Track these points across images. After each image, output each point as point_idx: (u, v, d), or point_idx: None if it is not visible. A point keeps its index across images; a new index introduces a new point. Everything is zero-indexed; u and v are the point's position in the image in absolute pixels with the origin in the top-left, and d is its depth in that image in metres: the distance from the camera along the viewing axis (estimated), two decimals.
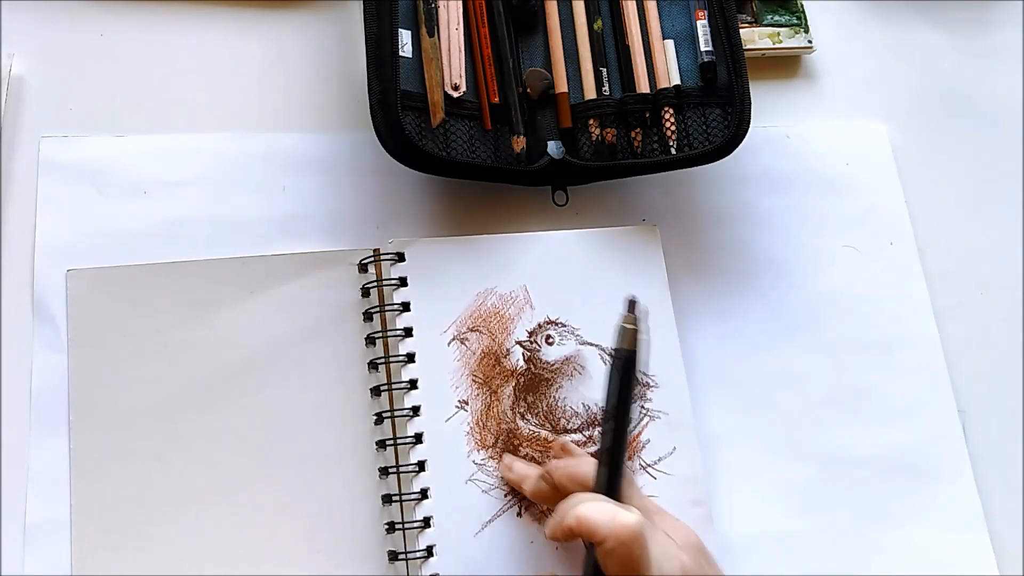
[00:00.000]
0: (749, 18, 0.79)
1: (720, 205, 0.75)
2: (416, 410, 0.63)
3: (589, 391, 0.65)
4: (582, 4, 0.73)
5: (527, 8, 0.72)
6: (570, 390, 0.65)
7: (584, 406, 0.65)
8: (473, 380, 0.64)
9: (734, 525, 0.66)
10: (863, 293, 0.74)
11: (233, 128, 0.70)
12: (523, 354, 0.66)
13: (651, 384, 0.66)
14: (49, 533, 0.59)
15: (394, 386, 0.63)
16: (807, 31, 0.80)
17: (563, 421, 0.65)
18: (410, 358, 0.64)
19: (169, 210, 0.67)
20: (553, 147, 0.70)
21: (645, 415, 0.66)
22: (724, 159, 0.69)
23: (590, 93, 0.71)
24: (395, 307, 0.65)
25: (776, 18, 0.80)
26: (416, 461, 0.62)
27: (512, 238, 0.68)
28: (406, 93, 0.66)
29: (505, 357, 0.65)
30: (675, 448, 0.65)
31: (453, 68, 0.69)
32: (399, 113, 0.64)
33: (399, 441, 0.62)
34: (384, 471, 0.62)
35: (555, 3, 0.73)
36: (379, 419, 0.63)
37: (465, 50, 0.70)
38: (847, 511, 0.68)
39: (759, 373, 0.70)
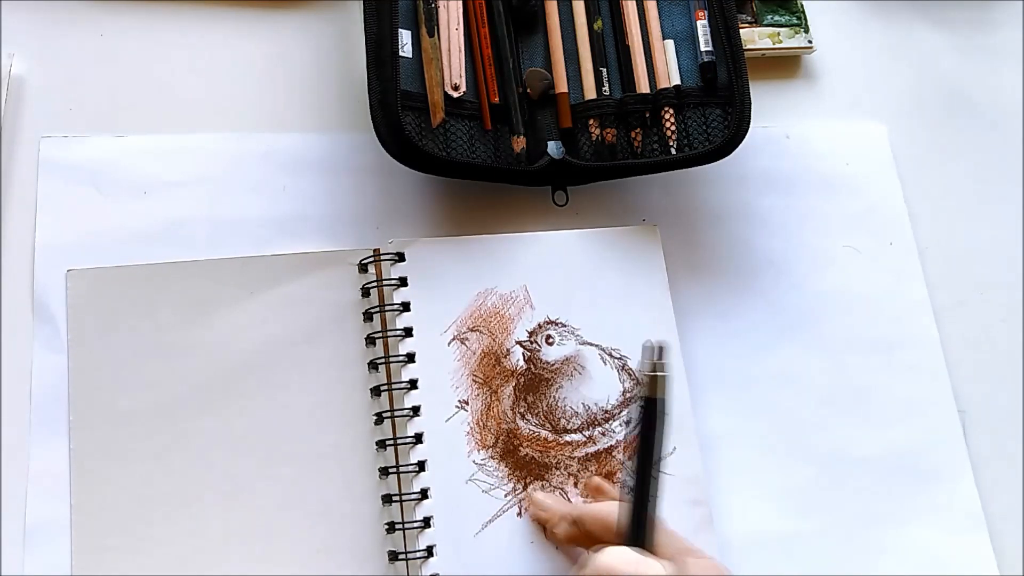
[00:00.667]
0: (749, 18, 0.79)
1: (720, 205, 0.75)
2: (416, 410, 0.63)
3: (589, 391, 0.65)
4: (582, 4, 0.73)
5: (527, 8, 0.72)
6: (570, 390, 0.65)
7: (584, 406, 0.65)
8: (473, 380, 0.64)
9: (734, 525, 0.66)
10: (863, 293, 0.74)
11: (233, 128, 0.70)
12: (523, 354, 0.66)
13: None
14: (49, 533, 0.59)
15: (394, 386, 0.63)
16: (807, 31, 0.80)
17: (563, 421, 0.65)
18: (410, 358, 0.64)
19: (169, 210, 0.67)
20: (553, 147, 0.70)
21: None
22: (724, 159, 0.69)
23: (590, 93, 0.71)
24: (395, 307, 0.65)
25: (776, 18, 0.80)
26: (416, 461, 0.62)
27: (512, 238, 0.68)
28: (406, 93, 0.66)
29: (505, 357, 0.65)
30: (675, 448, 0.65)
31: (453, 68, 0.69)
32: (399, 113, 0.64)
33: (399, 441, 0.62)
34: (384, 471, 0.62)
35: (555, 3, 0.73)
36: (379, 419, 0.63)
37: (465, 50, 0.70)
38: (847, 511, 0.68)
39: (759, 373, 0.70)
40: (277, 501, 0.61)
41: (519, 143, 0.70)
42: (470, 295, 0.66)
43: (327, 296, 0.66)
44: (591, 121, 0.71)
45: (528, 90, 0.72)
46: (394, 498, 0.62)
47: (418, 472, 0.62)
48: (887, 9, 0.85)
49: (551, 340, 0.66)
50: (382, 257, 0.66)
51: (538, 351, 0.66)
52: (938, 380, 0.73)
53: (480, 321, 0.66)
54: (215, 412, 0.62)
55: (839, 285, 0.74)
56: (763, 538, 0.66)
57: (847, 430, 0.70)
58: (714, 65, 0.71)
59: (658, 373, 0.55)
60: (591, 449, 0.64)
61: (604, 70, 0.72)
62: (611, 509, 0.57)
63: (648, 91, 0.71)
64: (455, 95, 0.69)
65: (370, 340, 0.65)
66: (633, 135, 0.70)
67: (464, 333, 0.65)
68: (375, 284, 0.65)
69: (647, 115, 0.71)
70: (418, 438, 0.63)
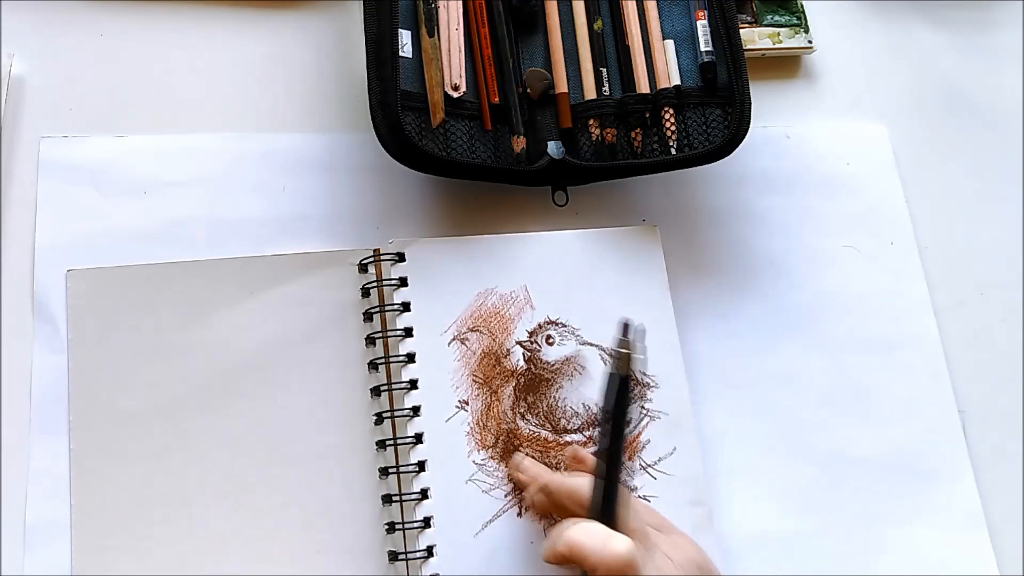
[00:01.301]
0: (749, 18, 0.79)
1: (720, 205, 0.75)
2: (416, 410, 0.63)
3: (589, 391, 0.65)
4: (582, 4, 0.73)
5: (527, 8, 0.72)
6: (570, 390, 0.65)
7: (584, 406, 0.65)
8: (473, 380, 0.64)
9: (734, 525, 0.66)
10: (863, 293, 0.74)
11: (233, 128, 0.70)
12: (523, 354, 0.66)
13: (651, 384, 0.66)
14: (49, 533, 0.59)
15: (394, 386, 0.63)
16: (807, 31, 0.80)
17: (563, 421, 0.65)
18: (410, 358, 0.64)
19: (169, 210, 0.67)
20: (553, 147, 0.70)
21: (645, 415, 0.66)
22: (724, 159, 0.69)
23: (590, 93, 0.71)
24: (395, 307, 0.65)
25: (776, 18, 0.80)
26: (416, 461, 0.62)
27: (512, 238, 0.68)
28: (406, 93, 0.66)
29: (505, 357, 0.65)
30: (675, 448, 0.65)
31: (453, 68, 0.69)
32: (399, 113, 0.64)
33: (399, 441, 0.62)
34: (384, 471, 0.62)
35: (555, 3, 0.73)
36: (379, 419, 0.63)
37: (465, 50, 0.70)
38: (847, 511, 0.68)
39: (759, 373, 0.70)
40: (277, 501, 0.61)
41: (519, 143, 0.70)
42: (470, 295, 0.66)
43: (327, 296, 0.66)
44: (591, 121, 0.71)
45: (528, 90, 0.72)
46: (394, 498, 0.62)
47: (418, 472, 0.62)
48: (887, 9, 0.85)
49: (551, 340, 0.66)
50: (382, 257, 0.66)
51: (538, 351, 0.66)
52: (938, 380, 0.73)
53: (480, 321, 0.66)
54: (215, 412, 0.62)
55: (839, 285, 0.74)
56: (763, 538, 0.66)
57: (847, 430, 0.70)
58: (714, 65, 0.71)
59: (625, 351, 0.56)
60: (591, 449, 0.64)
61: (604, 70, 0.72)
62: (582, 483, 0.57)
63: (648, 91, 0.71)
64: (455, 95, 0.69)
65: (370, 340, 0.65)
66: (633, 135, 0.70)
67: (464, 333, 0.65)
68: (375, 284, 0.65)
69: (647, 115, 0.71)
70: (418, 438, 0.63)
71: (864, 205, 0.77)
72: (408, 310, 0.65)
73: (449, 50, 0.69)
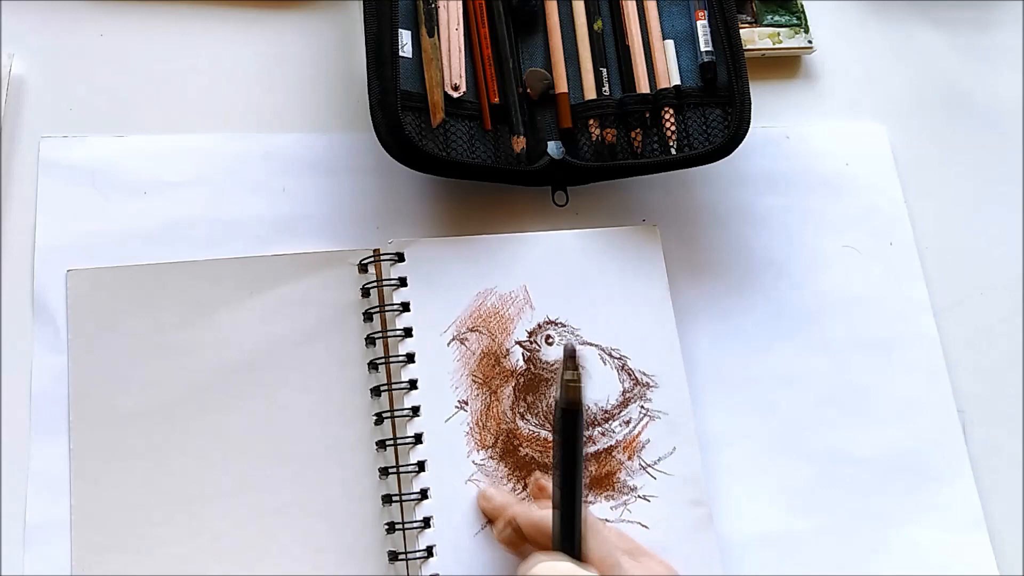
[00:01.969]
0: (749, 18, 0.79)
1: (720, 205, 0.75)
2: (416, 410, 0.63)
3: (589, 391, 0.65)
4: (582, 4, 0.73)
5: (527, 8, 0.72)
6: None
7: (584, 406, 0.65)
8: (473, 380, 0.64)
9: (734, 525, 0.66)
10: (863, 293, 0.74)
11: (233, 128, 0.70)
12: (523, 354, 0.66)
13: (651, 384, 0.66)
14: (49, 533, 0.59)
15: (394, 386, 0.63)
16: (807, 31, 0.80)
17: None
18: (410, 358, 0.64)
19: (169, 210, 0.67)
20: (553, 147, 0.70)
21: (645, 415, 0.66)
22: (724, 159, 0.69)
23: (590, 93, 0.71)
24: (395, 307, 0.65)
25: (776, 18, 0.80)
26: (416, 461, 0.62)
27: (512, 238, 0.68)
28: (406, 93, 0.66)
29: (505, 357, 0.65)
30: (675, 448, 0.65)
31: (453, 68, 0.69)
32: (399, 113, 0.64)
33: (399, 441, 0.62)
34: (384, 471, 0.62)
35: (555, 3, 0.73)
36: (379, 419, 0.63)
37: (465, 50, 0.70)
38: (847, 511, 0.68)
39: (759, 373, 0.70)
40: (277, 501, 0.61)
41: (519, 143, 0.70)
42: (470, 295, 0.66)
43: (327, 296, 0.66)
44: (591, 121, 0.71)
45: (528, 90, 0.72)
46: (394, 498, 0.62)
47: (418, 472, 0.62)
48: (887, 9, 0.85)
49: (551, 340, 0.66)
50: (382, 257, 0.66)
51: (538, 351, 0.66)
52: (938, 380, 0.73)
53: (480, 321, 0.66)
54: (215, 412, 0.62)
55: (839, 285, 0.74)
56: (763, 538, 0.66)
57: (847, 430, 0.70)
58: (714, 65, 0.71)
59: (573, 381, 0.54)
60: (591, 449, 0.64)
61: (604, 70, 0.72)
62: (547, 514, 0.56)
63: (648, 91, 0.71)
64: (455, 95, 0.69)
65: (370, 340, 0.65)
66: (633, 135, 0.70)
67: (464, 333, 0.65)
68: (375, 284, 0.65)
69: (647, 115, 0.71)
70: (418, 438, 0.63)
71: (864, 205, 0.77)
72: (408, 310, 0.65)
73: (449, 50, 0.69)
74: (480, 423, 0.64)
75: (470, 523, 0.62)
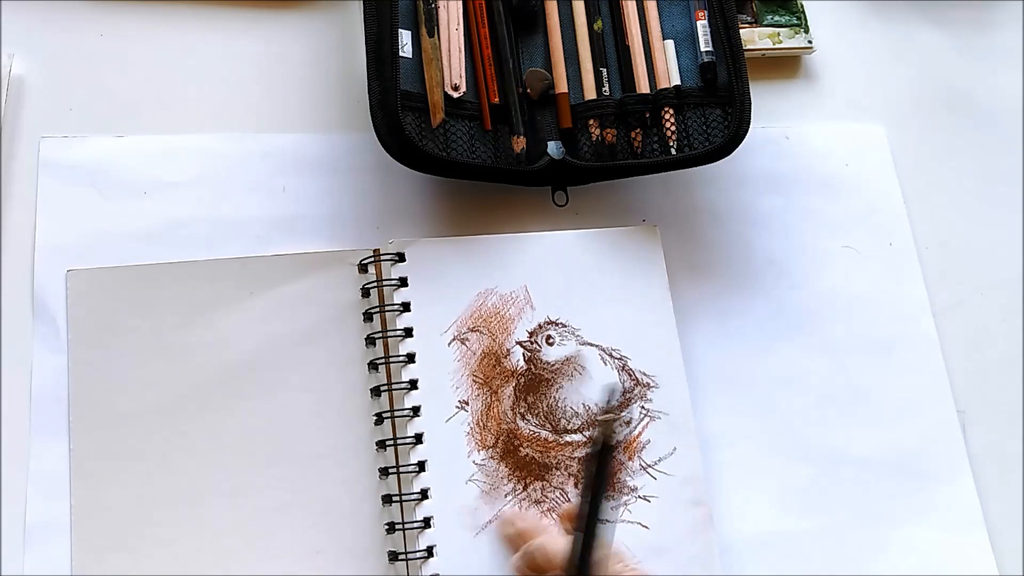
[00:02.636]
0: (749, 18, 0.79)
1: (720, 205, 0.75)
2: (416, 410, 0.63)
3: (589, 391, 0.65)
4: (582, 4, 0.73)
5: (527, 8, 0.72)
6: (570, 390, 0.65)
7: (584, 406, 0.65)
8: (473, 380, 0.64)
9: (734, 525, 0.66)
10: (862, 293, 0.74)
11: (233, 128, 0.70)
12: (523, 354, 0.66)
13: (651, 384, 0.66)
14: (49, 533, 0.59)
15: (394, 386, 0.63)
16: (807, 31, 0.80)
17: (563, 421, 0.65)
18: (410, 358, 0.64)
19: (169, 210, 0.67)
20: (553, 147, 0.70)
21: (645, 415, 0.66)
22: (724, 159, 0.69)
23: (590, 93, 0.71)
24: (395, 307, 0.65)
25: (776, 18, 0.80)
26: (416, 461, 0.62)
27: (512, 238, 0.68)
28: (406, 93, 0.66)
29: (505, 357, 0.65)
30: (675, 448, 0.65)
31: (453, 68, 0.69)
32: (399, 113, 0.64)
33: (399, 441, 0.62)
34: (384, 471, 0.62)
35: (555, 3, 0.73)
36: (379, 419, 0.63)
37: (465, 50, 0.70)
38: (847, 511, 0.68)
39: (759, 373, 0.70)
40: (277, 501, 0.61)
41: (519, 143, 0.70)
42: (470, 295, 0.66)
43: (327, 296, 0.66)
44: (591, 121, 0.71)
45: (528, 90, 0.72)
46: (394, 498, 0.62)
47: (418, 472, 0.62)
48: (887, 9, 0.85)
49: (551, 340, 0.66)
50: (382, 257, 0.66)
51: (538, 351, 0.66)
52: (937, 380, 0.73)
53: (480, 321, 0.66)
54: (215, 412, 0.62)
55: (839, 285, 0.74)
56: (763, 538, 0.66)
57: (847, 430, 0.70)
58: (714, 65, 0.71)
59: (610, 416, 0.55)
60: (591, 450, 0.64)
61: (604, 70, 0.72)
62: (554, 542, 0.56)
63: (648, 91, 0.71)
64: (455, 95, 0.69)
65: (370, 340, 0.65)
66: (633, 135, 0.70)
67: (464, 333, 0.65)
68: (375, 284, 0.65)
69: (647, 115, 0.71)
70: (418, 438, 0.63)
71: (863, 205, 0.77)
72: (408, 310, 0.65)
73: (449, 50, 0.69)
74: (481, 423, 0.64)
75: (470, 523, 0.62)
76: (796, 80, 0.81)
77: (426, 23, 0.68)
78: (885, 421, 0.71)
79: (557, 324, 0.67)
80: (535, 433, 0.64)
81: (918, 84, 0.83)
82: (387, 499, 0.62)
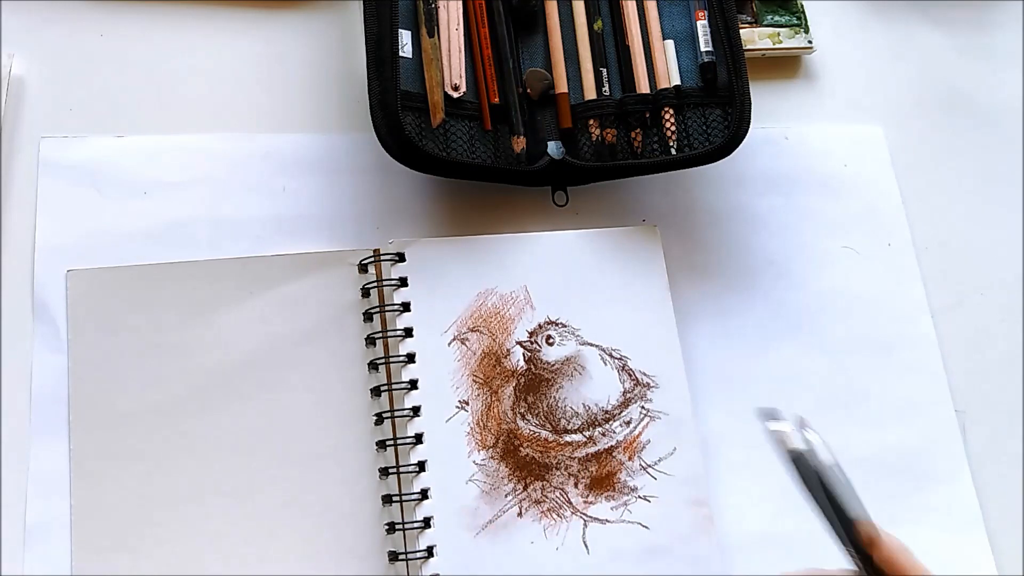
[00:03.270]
0: (749, 18, 0.79)
1: (720, 205, 0.75)
2: (416, 410, 0.63)
3: (589, 391, 0.66)
4: (582, 4, 0.73)
5: (527, 8, 0.72)
6: (570, 390, 0.65)
7: (584, 406, 0.65)
8: (473, 380, 0.64)
9: (734, 525, 0.66)
10: (861, 293, 0.74)
11: (233, 129, 0.70)
12: (523, 354, 0.66)
13: (651, 384, 0.66)
14: (49, 533, 0.59)
15: (394, 386, 0.64)
16: (807, 31, 0.80)
17: (563, 421, 0.65)
18: (410, 358, 0.64)
19: (169, 210, 0.67)
20: (553, 147, 0.70)
21: (645, 415, 0.66)
22: (724, 159, 0.69)
23: (590, 93, 0.71)
24: (395, 307, 0.65)
25: (776, 18, 0.80)
26: (416, 461, 0.62)
27: (512, 238, 0.68)
28: (406, 93, 0.66)
29: (505, 357, 0.65)
30: (675, 448, 0.65)
31: (453, 68, 0.69)
32: (399, 113, 0.64)
33: (399, 441, 0.62)
34: (384, 471, 0.62)
35: (555, 3, 0.73)
36: (379, 419, 0.63)
37: (465, 50, 0.70)
38: None
39: (759, 373, 0.70)
40: (277, 501, 0.61)
41: (519, 143, 0.70)
42: (470, 295, 0.66)
43: (327, 296, 0.66)
44: (591, 121, 0.71)
45: (528, 90, 0.72)
46: (394, 498, 0.62)
47: (418, 472, 0.62)
48: (887, 9, 0.85)
49: (551, 340, 0.66)
50: (382, 257, 0.66)
51: (538, 351, 0.66)
52: (936, 380, 0.73)
53: (480, 321, 0.66)
54: (215, 412, 0.62)
55: (838, 285, 0.74)
56: (763, 538, 0.66)
57: (846, 430, 0.70)
58: (714, 65, 0.71)
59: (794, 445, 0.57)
60: (591, 449, 0.65)
61: (604, 70, 0.72)
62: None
63: (648, 91, 0.71)
64: (455, 95, 0.69)
65: (370, 340, 0.65)
66: (633, 135, 0.70)
67: (464, 333, 0.65)
68: (375, 284, 0.65)
69: (647, 115, 0.71)
70: (418, 438, 0.63)
71: (862, 206, 0.77)
72: (408, 310, 0.65)
73: (449, 50, 0.69)
74: (481, 423, 0.64)
75: (470, 523, 0.62)
76: (796, 80, 0.81)
77: (426, 23, 0.68)
78: (884, 421, 0.71)
79: (557, 324, 0.67)
80: (535, 433, 0.64)
81: (917, 84, 0.83)
82: (387, 499, 0.62)
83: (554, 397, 0.65)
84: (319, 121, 0.72)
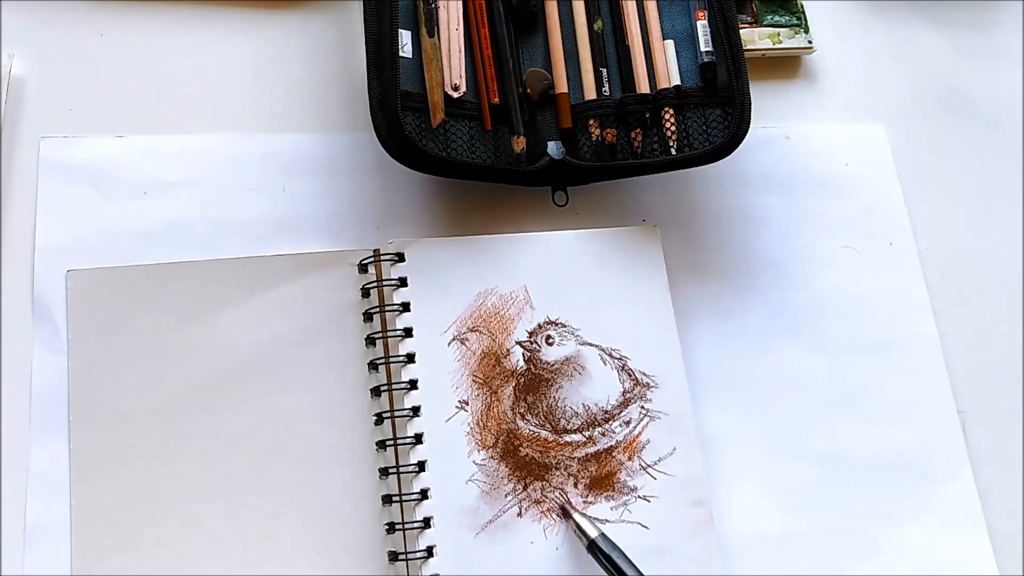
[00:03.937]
0: (749, 18, 0.79)
1: (720, 205, 0.75)
2: (416, 410, 0.63)
3: (589, 391, 0.65)
4: (582, 4, 0.73)
5: (527, 8, 0.72)
6: (570, 390, 0.65)
7: (584, 406, 0.65)
8: (473, 380, 0.64)
9: (734, 525, 0.66)
10: (863, 293, 0.74)
11: (233, 129, 0.70)
12: (523, 354, 0.66)
13: (651, 384, 0.66)
14: (49, 533, 0.59)
15: (394, 386, 0.64)
16: (807, 31, 0.80)
17: (563, 421, 0.65)
18: (410, 358, 0.64)
19: (169, 210, 0.67)
20: (553, 147, 0.70)
21: (645, 415, 0.66)
22: (724, 159, 0.69)
23: (590, 93, 0.71)
24: (395, 307, 0.65)
25: (776, 18, 0.80)
26: (416, 462, 0.62)
27: (512, 238, 0.68)
28: (406, 93, 0.66)
29: (505, 357, 0.65)
30: (675, 448, 0.65)
31: (453, 68, 0.69)
32: (399, 113, 0.64)
33: (399, 442, 0.62)
34: (384, 471, 0.62)
35: (555, 3, 0.73)
36: (379, 419, 0.63)
37: (465, 50, 0.70)
38: (847, 511, 0.68)
39: (759, 373, 0.70)
40: (277, 501, 0.61)
41: (519, 143, 0.70)
42: (470, 295, 0.66)
43: (327, 296, 0.66)
44: (591, 121, 0.71)
45: (528, 90, 0.72)
46: (394, 498, 0.62)
47: (418, 472, 0.62)
48: (887, 9, 0.85)
49: (551, 340, 0.66)
50: (382, 257, 0.66)
51: (538, 351, 0.66)
52: (938, 380, 0.73)
53: (480, 321, 0.66)
54: (215, 412, 0.62)
55: (839, 285, 0.74)
56: (763, 538, 0.66)
57: (847, 430, 0.70)
58: (714, 65, 0.71)
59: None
60: (591, 449, 0.65)
61: (604, 70, 0.72)
62: None
63: (648, 91, 0.71)
64: (455, 95, 0.69)
65: (370, 340, 0.65)
66: (633, 135, 0.70)
67: (464, 333, 0.65)
68: (375, 284, 0.65)
69: (647, 115, 0.71)
70: (418, 439, 0.63)
71: (863, 206, 0.77)
72: (408, 310, 0.65)
73: (449, 50, 0.69)
74: (480, 423, 0.64)
75: (470, 523, 0.62)
76: (796, 80, 0.81)
77: (426, 23, 0.68)
78: (885, 421, 0.71)
79: (557, 324, 0.67)
80: (535, 433, 0.64)
81: (918, 84, 0.83)
82: (387, 499, 0.62)
83: (554, 397, 0.65)
84: (319, 121, 0.72)
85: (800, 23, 0.80)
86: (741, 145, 0.69)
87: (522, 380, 0.65)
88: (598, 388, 0.66)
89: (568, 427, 0.65)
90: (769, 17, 0.80)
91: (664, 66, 0.72)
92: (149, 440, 0.61)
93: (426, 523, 0.61)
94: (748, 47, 0.77)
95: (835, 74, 0.81)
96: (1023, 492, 0.71)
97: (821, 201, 0.76)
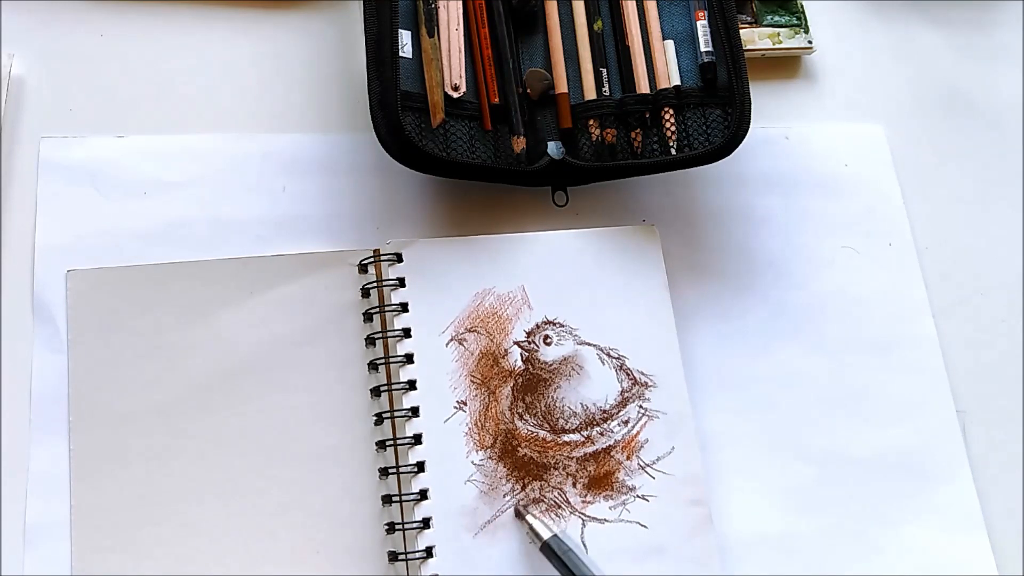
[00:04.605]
0: (749, 18, 0.79)
1: (720, 205, 0.75)
2: (415, 411, 0.63)
3: (587, 391, 0.65)
4: (582, 4, 0.73)
5: (527, 8, 0.72)
6: (568, 390, 0.65)
7: (582, 406, 0.65)
8: (471, 381, 0.64)
9: (734, 525, 0.66)
10: (862, 294, 0.74)
11: (233, 129, 0.70)
12: (521, 354, 0.66)
13: (650, 384, 0.66)
14: (49, 533, 0.59)
15: (394, 387, 0.64)
16: (807, 31, 0.80)
17: (561, 421, 0.65)
18: (409, 359, 0.64)
19: (169, 210, 0.67)
20: (553, 147, 0.70)
21: (643, 415, 0.66)
22: (724, 159, 0.69)
23: (590, 93, 0.71)
24: (394, 308, 0.65)
25: (776, 18, 0.80)
26: (415, 462, 0.62)
27: (511, 238, 0.68)
28: (406, 94, 0.66)
29: (503, 357, 0.65)
30: (674, 448, 0.65)
31: (453, 68, 0.69)
32: (399, 114, 0.64)
33: (398, 442, 0.62)
34: (384, 472, 0.62)
35: (555, 3, 0.73)
36: (379, 420, 0.63)
37: (465, 50, 0.70)
38: (846, 511, 0.68)
39: (759, 373, 0.70)
40: (277, 501, 0.61)
41: (519, 143, 0.70)
42: (468, 295, 0.66)
43: (327, 296, 0.66)
44: (591, 121, 0.71)
45: (528, 90, 0.72)
46: (394, 499, 0.62)
47: (417, 473, 0.62)
48: (887, 9, 0.85)
49: (549, 340, 0.66)
50: (381, 258, 0.66)
51: (536, 351, 0.66)
52: (937, 380, 0.73)
53: (478, 322, 0.66)
54: (215, 412, 0.62)
55: (839, 285, 0.74)
56: (763, 538, 0.67)
57: (847, 430, 0.70)
58: (714, 65, 0.71)
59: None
60: (589, 449, 0.65)
61: (604, 70, 0.72)
62: None
63: (648, 91, 0.71)
64: (455, 95, 0.69)
65: (370, 341, 0.65)
66: (633, 135, 0.71)
67: (462, 334, 0.65)
68: (375, 285, 0.65)
69: (647, 115, 0.71)
70: (417, 439, 0.63)
71: (863, 206, 0.77)
72: (406, 311, 0.65)
73: (449, 50, 0.69)
74: (479, 423, 0.64)
75: (469, 523, 0.62)
76: (796, 80, 0.81)
77: (426, 23, 0.68)
78: (885, 421, 0.71)
79: (555, 324, 0.67)
80: (533, 433, 0.64)
81: (917, 84, 0.83)
82: (387, 499, 0.62)
83: (552, 397, 0.65)
84: (319, 121, 0.72)
85: (800, 23, 0.80)
86: (741, 145, 0.69)
87: (520, 380, 0.65)
88: (596, 388, 0.66)
89: (566, 427, 0.65)
90: (769, 17, 0.80)
91: (664, 66, 0.72)
92: (149, 440, 0.61)
93: (425, 523, 0.61)
94: (748, 47, 0.77)
95: (835, 74, 0.81)
96: (1023, 492, 0.71)
97: (821, 201, 0.76)
